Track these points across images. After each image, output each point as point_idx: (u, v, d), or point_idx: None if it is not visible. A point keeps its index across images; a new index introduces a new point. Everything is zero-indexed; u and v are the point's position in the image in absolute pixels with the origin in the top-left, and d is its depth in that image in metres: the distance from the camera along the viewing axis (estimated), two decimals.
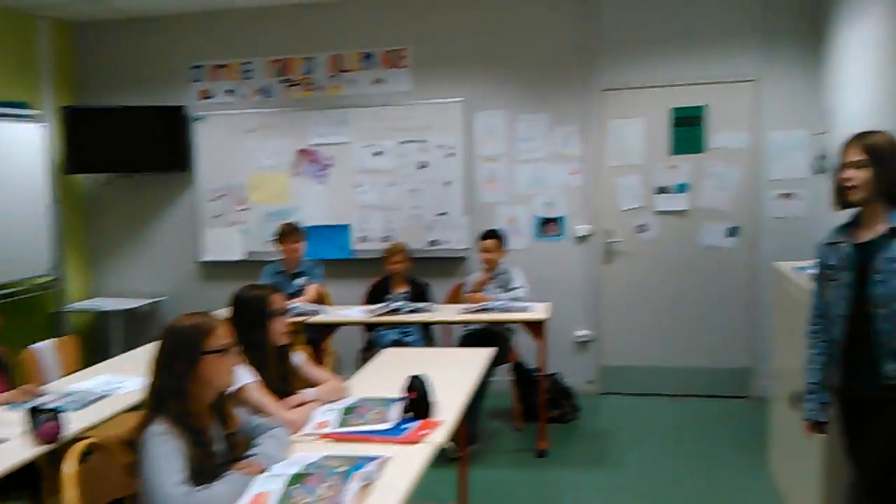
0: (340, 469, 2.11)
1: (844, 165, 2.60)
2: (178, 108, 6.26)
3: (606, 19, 5.65)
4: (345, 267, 6.03)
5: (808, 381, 2.78)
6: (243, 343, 2.52)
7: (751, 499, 3.99)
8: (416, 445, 2.46)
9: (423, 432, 2.55)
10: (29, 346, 3.97)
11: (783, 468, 3.95)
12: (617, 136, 5.74)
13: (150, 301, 6.36)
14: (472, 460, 4.37)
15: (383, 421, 2.62)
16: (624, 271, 5.81)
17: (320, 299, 5.37)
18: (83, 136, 6.10)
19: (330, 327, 4.96)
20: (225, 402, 2.27)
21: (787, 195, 5.47)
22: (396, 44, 5.98)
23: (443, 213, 5.94)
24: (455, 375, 3.29)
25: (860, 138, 2.60)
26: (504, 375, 5.16)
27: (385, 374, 3.38)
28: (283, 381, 2.90)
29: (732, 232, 5.61)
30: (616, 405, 5.65)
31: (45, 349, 4.04)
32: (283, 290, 4.94)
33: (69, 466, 2.27)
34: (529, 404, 5.11)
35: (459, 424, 2.90)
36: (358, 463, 2.16)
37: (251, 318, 2.88)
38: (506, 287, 5.15)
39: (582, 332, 5.88)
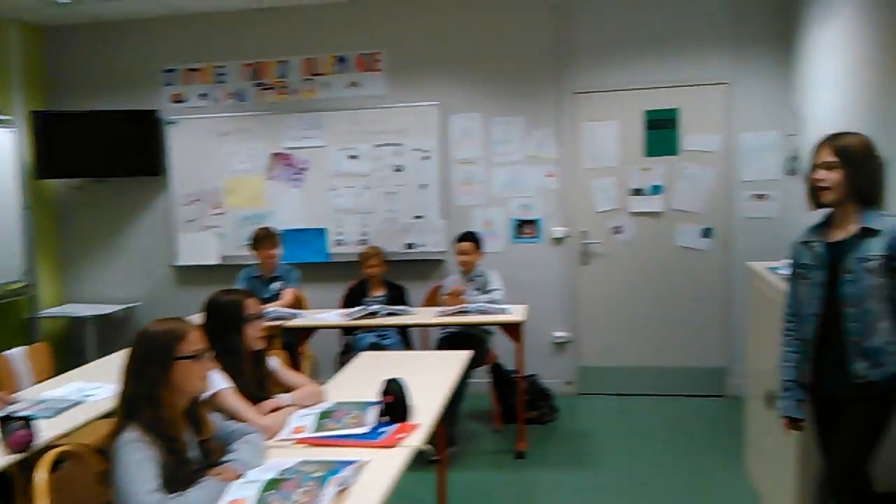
0: (316, 474, 2.10)
1: (816, 167, 2.63)
2: (151, 112, 6.20)
3: (579, 23, 5.68)
4: (321, 270, 6.01)
5: (782, 378, 2.80)
6: (217, 348, 2.50)
7: (727, 497, 4.02)
8: (393, 449, 2.45)
9: (400, 436, 2.54)
10: (0, 353, 3.91)
11: (759, 466, 3.98)
12: (591, 139, 5.77)
13: (124, 306, 6.29)
14: (451, 462, 4.37)
15: (360, 425, 2.61)
16: (600, 273, 5.84)
17: (297, 303, 5.35)
18: (55, 141, 6.03)
19: (307, 331, 4.94)
20: (199, 409, 2.25)
21: (760, 196, 5.53)
22: (370, 47, 5.97)
23: (419, 217, 5.94)
24: (432, 378, 3.28)
25: (832, 140, 2.63)
26: (482, 377, 5.16)
27: (362, 378, 3.37)
28: (258, 387, 2.87)
29: (706, 233, 5.66)
30: (594, 406, 5.67)
31: (17, 356, 3.98)
32: (259, 295, 4.94)
33: (41, 475, 2.24)
34: (508, 406, 5.12)
35: (437, 427, 2.90)
36: (334, 468, 2.15)
37: (225, 323, 2.85)
38: (483, 289, 5.16)
39: (559, 334, 5.90)
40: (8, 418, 2.65)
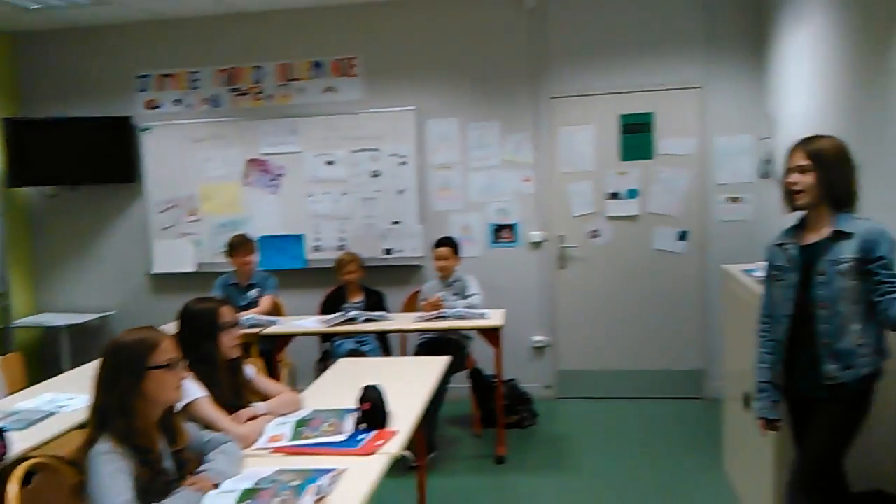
0: (293, 483, 2.09)
1: (790, 170, 2.66)
2: (125, 119, 6.14)
3: (554, 28, 5.70)
4: (299, 277, 5.98)
5: (758, 379, 2.83)
6: (193, 357, 2.48)
7: (707, 498, 4.04)
8: (371, 456, 2.44)
9: (378, 443, 2.53)
10: None
11: (737, 467, 4.01)
12: (567, 143, 5.79)
13: (99, 315, 6.22)
14: (431, 468, 4.37)
15: (337, 433, 2.60)
16: (578, 276, 5.86)
17: (275, 311, 5.31)
18: (27, 149, 5.96)
19: (285, 338, 4.91)
20: (173, 418, 2.22)
21: (735, 199, 5.58)
22: (346, 52, 5.95)
23: (397, 222, 5.93)
24: (411, 384, 3.28)
25: (805, 143, 2.65)
26: (462, 382, 5.16)
27: (340, 385, 3.36)
28: (235, 395, 2.85)
29: (682, 236, 5.70)
30: (573, 409, 5.68)
31: None
32: (237, 302, 4.94)
33: (13, 488, 2.20)
34: (487, 410, 5.12)
35: (417, 433, 2.89)
36: (311, 476, 2.14)
37: (200, 331, 2.83)
38: (461, 294, 5.16)
39: (538, 338, 5.91)
40: None
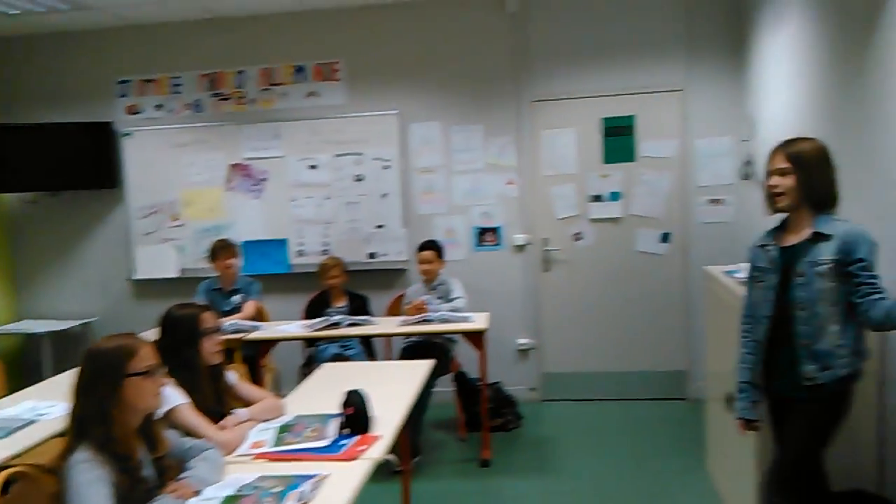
0: (275, 490, 2.08)
1: (771, 173, 2.68)
2: (106, 124, 6.11)
3: (536, 31, 5.72)
4: (283, 282, 5.96)
5: (739, 380, 2.85)
6: (174, 364, 2.46)
7: (690, 499, 4.05)
8: (353, 462, 2.43)
9: (361, 448, 2.53)
10: None
11: (720, 467, 4.03)
12: (550, 147, 5.80)
13: (81, 322, 6.17)
14: (416, 472, 4.36)
15: (320, 438, 2.59)
16: (562, 279, 5.87)
17: (258, 316, 5.29)
18: (7, 154, 5.92)
19: (268, 344, 4.88)
20: (153, 426, 2.21)
21: (716, 201, 5.61)
22: (328, 57, 5.94)
23: (380, 226, 5.92)
24: (395, 388, 3.27)
25: (785, 146, 2.67)
26: (446, 386, 5.15)
27: (324, 390, 3.34)
28: (216, 402, 2.84)
29: (665, 238, 5.73)
30: (558, 412, 5.69)
31: None
32: (220, 308, 4.92)
33: None
34: (472, 414, 5.12)
35: (401, 437, 2.88)
36: (293, 482, 2.14)
37: (181, 337, 2.81)
38: (445, 298, 5.15)
39: (523, 341, 5.91)
40: None
